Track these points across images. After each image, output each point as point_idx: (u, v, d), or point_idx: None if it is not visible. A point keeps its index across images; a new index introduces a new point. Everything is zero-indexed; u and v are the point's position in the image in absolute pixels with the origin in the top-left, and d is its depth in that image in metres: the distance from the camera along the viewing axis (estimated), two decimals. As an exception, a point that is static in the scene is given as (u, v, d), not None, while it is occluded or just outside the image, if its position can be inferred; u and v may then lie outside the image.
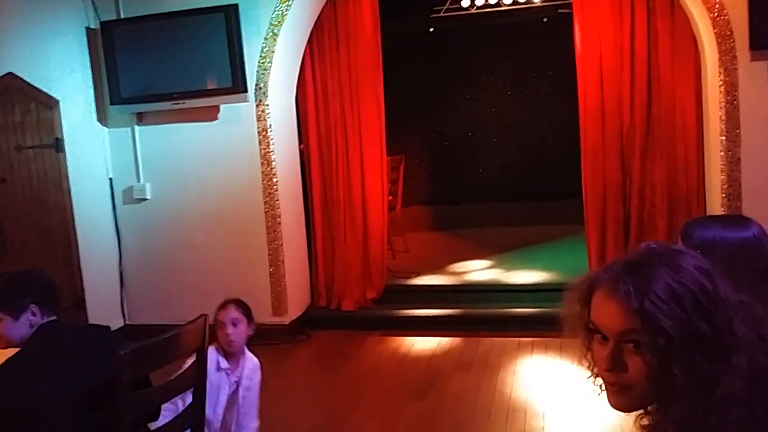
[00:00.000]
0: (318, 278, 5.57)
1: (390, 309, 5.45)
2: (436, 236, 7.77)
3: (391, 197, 6.39)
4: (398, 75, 6.65)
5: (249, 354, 3.11)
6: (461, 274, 5.97)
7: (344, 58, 5.39)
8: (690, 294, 1.00)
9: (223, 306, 3.06)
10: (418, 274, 5.94)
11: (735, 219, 1.89)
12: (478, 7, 7.39)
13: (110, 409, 2.31)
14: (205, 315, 2.91)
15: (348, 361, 4.76)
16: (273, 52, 5.00)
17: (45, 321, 2.48)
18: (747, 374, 0.97)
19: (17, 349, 2.39)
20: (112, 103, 5.23)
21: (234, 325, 2.99)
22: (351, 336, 5.18)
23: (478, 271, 6.07)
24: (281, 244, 5.13)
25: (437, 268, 6.10)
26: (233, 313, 3.02)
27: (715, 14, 4.33)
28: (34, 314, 2.45)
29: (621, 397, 1.05)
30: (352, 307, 5.43)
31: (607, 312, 1.04)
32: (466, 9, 7.42)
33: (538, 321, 4.97)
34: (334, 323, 5.38)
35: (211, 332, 2.73)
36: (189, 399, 2.67)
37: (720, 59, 4.35)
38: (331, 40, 5.40)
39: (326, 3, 5.31)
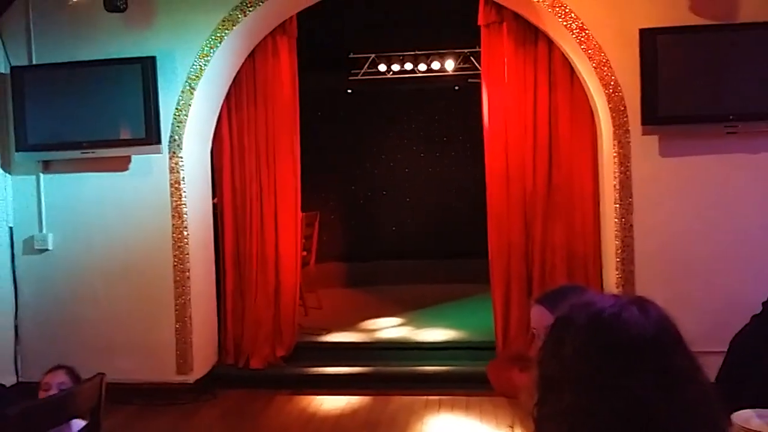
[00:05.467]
0: (227, 335, 5.46)
1: (299, 367, 5.39)
2: (348, 293, 7.80)
3: (305, 253, 6.40)
4: (315, 132, 6.76)
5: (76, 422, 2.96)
6: (372, 332, 6.00)
7: (261, 113, 5.45)
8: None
9: (53, 369, 2.99)
10: (329, 331, 5.92)
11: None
12: (395, 72, 7.69)
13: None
14: (102, 374, 2.82)
15: (254, 422, 4.65)
16: (189, 105, 5.01)
17: None
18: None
19: None
20: (17, 150, 5.06)
21: (60, 390, 2.90)
22: (259, 395, 5.07)
23: (388, 328, 6.12)
24: (189, 300, 5.03)
25: (349, 325, 6.11)
26: (61, 377, 2.94)
27: (611, 90, 4.67)
28: None
29: None
30: (260, 365, 5.34)
31: None
32: (383, 73, 7.70)
33: (446, 379, 5.06)
34: (241, 382, 5.27)
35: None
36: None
37: (614, 132, 4.68)
38: (249, 95, 5.46)
39: (246, 59, 5.38)
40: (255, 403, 4.96)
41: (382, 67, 7.64)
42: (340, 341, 5.74)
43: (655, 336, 1.03)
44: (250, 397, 5.06)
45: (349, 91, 8.30)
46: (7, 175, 5.21)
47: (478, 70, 5.62)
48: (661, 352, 1.02)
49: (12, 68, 5.05)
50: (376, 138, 8.55)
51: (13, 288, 5.20)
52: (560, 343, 1.07)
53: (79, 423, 2.79)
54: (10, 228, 5.21)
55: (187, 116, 5.01)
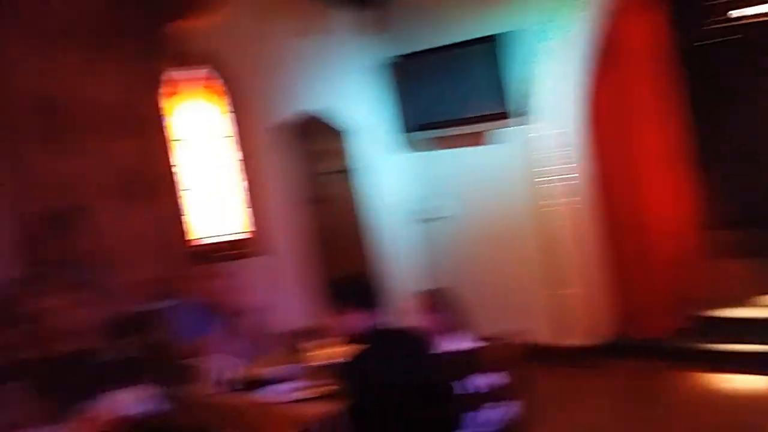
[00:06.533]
0: (621, 304, 5.28)
1: (697, 342, 4.96)
2: (746, 264, 6.85)
3: (693, 220, 5.81)
4: (698, 88, 6.07)
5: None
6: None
7: (627, 74, 5.11)
8: None
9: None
10: (730, 305, 5.27)
11: None
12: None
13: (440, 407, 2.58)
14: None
15: (658, 397, 4.46)
16: (547, 75, 5.02)
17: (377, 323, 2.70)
18: None
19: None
20: (407, 131, 5.58)
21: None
22: (655, 367, 4.87)
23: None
24: (585, 266, 5.14)
25: (748, 299, 5.35)
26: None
27: None
28: (372, 315, 2.69)
29: None
30: (655, 336, 5.06)
31: None
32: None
33: None
34: (636, 352, 5.07)
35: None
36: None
37: None
38: (611, 58, 5.11)
39: (604, 21, 5.04)
40: (653, 375, 4.77)
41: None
42: (744, 317, 5.07)
43: None
44: (646, 368, 4.88)
45: (739, 36, 7.26)
46: (399, 154, 5.75)
47: None
48: None
49: (390, 59, 5.56)
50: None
51: (415, 252, 5.76)
52: None
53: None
54: (401, 201, 5.77)
55: (546, 87, 5.02)
